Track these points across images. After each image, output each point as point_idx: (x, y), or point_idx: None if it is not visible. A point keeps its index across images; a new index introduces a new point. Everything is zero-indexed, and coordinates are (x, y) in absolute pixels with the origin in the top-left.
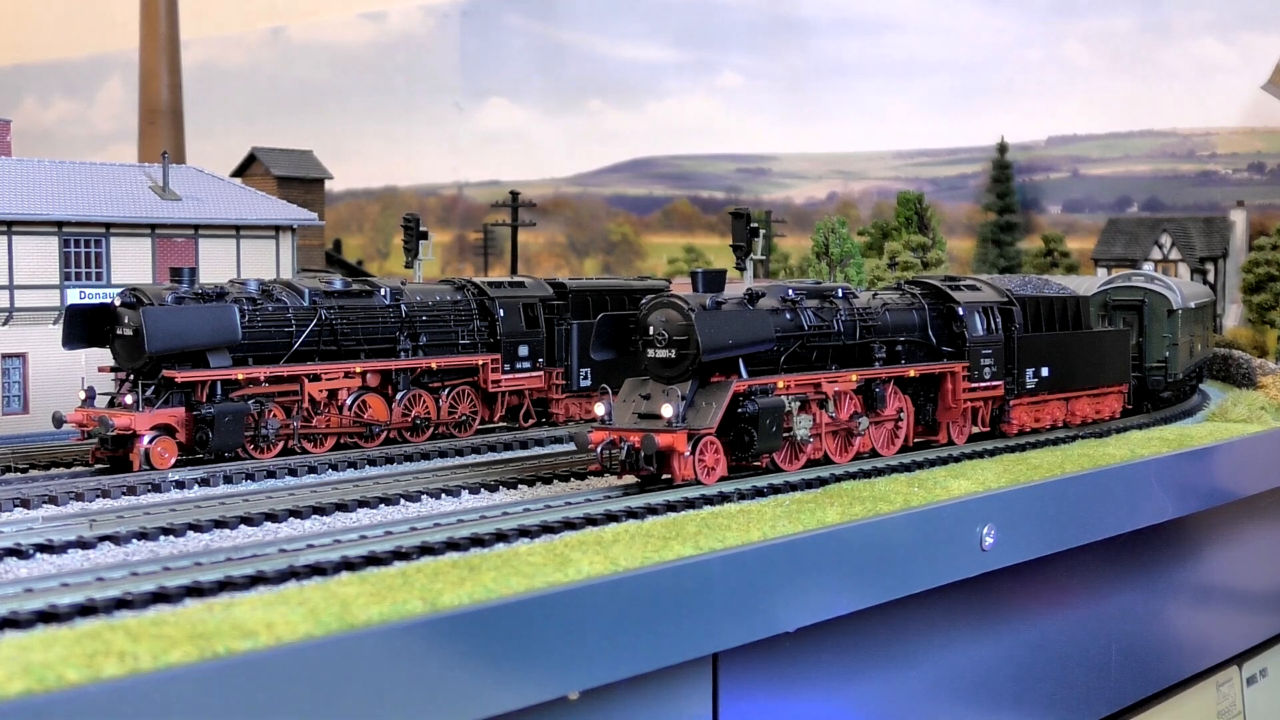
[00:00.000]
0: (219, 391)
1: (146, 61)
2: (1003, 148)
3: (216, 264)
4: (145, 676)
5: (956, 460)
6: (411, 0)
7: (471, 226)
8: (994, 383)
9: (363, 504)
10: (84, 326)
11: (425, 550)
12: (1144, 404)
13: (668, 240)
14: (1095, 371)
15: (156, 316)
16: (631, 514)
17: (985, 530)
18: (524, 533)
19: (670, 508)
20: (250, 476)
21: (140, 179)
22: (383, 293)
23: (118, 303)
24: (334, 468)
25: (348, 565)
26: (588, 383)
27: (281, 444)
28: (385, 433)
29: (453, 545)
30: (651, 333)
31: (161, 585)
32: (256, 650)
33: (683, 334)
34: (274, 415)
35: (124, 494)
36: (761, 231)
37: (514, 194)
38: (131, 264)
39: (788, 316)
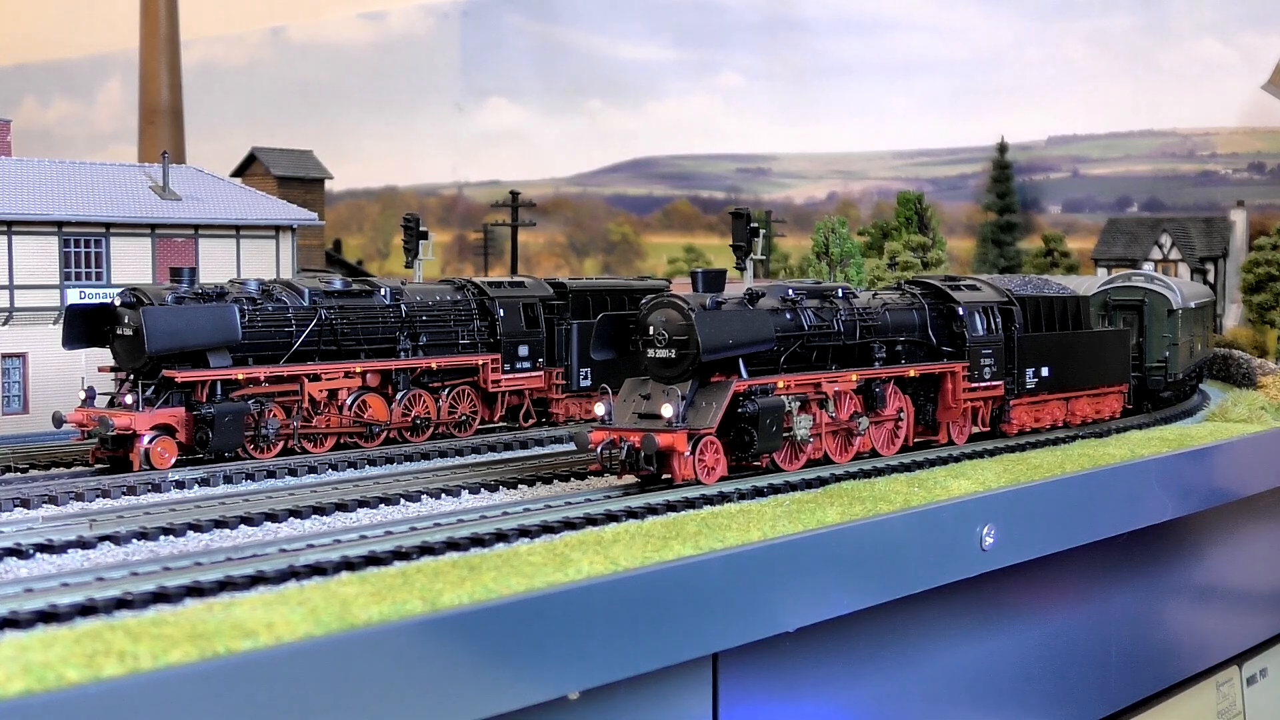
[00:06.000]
0: (219, 391)
1: (146, 61)
2: (1003, 148)
3: (216, 264)
4: (145, 676)
5: (956, 460)
6: (411, 0)
7: (471, 226)
8: (994, 383)
9: (363, 504)
10: (84, 326)
11: (425, 550)
12: (1144, 404)
13: (668, 240)
14: (1095, 371)
15: (156, 316)
16: (631, 514)
17: (985, 530)
18: (524, 533)
19: (670, 508)
20: (250, 476)
21: (140, 179)
22: (383, 293)
23: (118, 303)
24: (334, 468)
25: (348, 565)
26: (588, 383)
27: (281, 444)
28: (385, 433)
29: (453, 545)
30: (651, 333)
31: (161, 585)
32: (256, 650)
33: (683, 334)
34: (274, 415)
35: (124, 494)
36: (761, 231)
37: (514, 194)
38: (131, 264)
39: (788, 316)
